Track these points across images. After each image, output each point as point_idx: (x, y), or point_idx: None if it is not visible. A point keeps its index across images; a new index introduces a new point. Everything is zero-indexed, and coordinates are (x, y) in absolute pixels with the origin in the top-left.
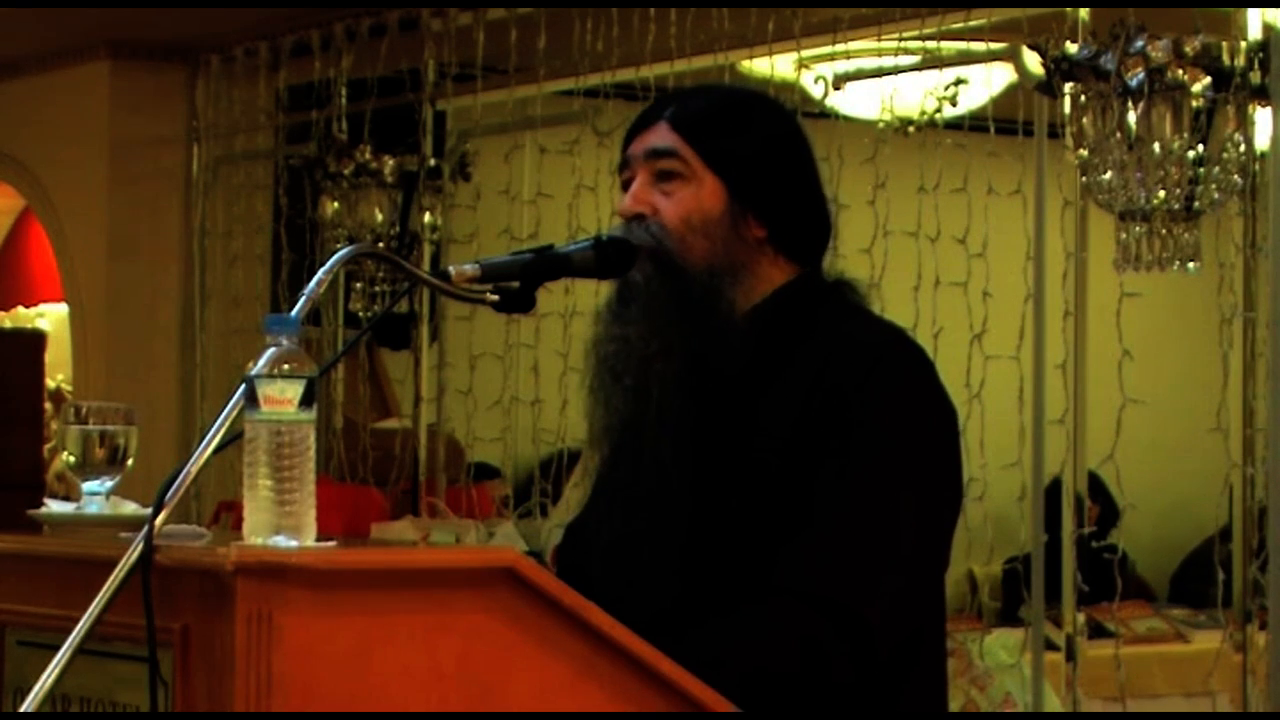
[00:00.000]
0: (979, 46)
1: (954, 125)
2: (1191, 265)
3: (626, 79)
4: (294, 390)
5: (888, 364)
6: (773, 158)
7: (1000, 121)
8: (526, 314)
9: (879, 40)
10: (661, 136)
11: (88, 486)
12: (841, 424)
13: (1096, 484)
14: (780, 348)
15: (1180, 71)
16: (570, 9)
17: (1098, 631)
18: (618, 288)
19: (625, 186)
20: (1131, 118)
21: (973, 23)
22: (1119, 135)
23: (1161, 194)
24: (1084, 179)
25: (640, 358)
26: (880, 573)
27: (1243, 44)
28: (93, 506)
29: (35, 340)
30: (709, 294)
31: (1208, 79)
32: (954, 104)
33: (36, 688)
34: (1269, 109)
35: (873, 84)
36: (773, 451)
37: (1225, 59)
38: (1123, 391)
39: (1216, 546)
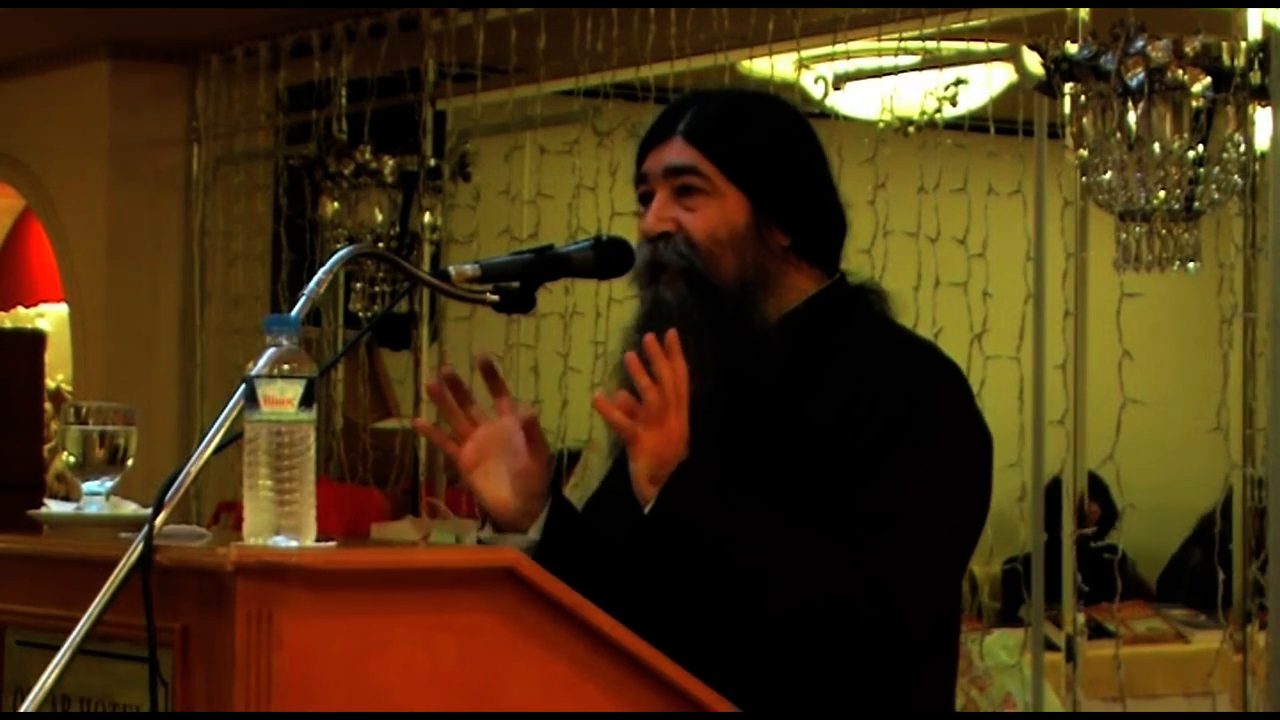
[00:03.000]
0: (979, 46)
1: (954, 125)
2: (1191, 265)
3: (626, 79)
4: (294, 390)
5: (929, 386)
6: (791, 165)
7: (1000, 121)
8: (526, 314)
9: (879, 40)
10: (679, 152)
11: (88, 486)
12: (882, 439)
13: (1097, 484)
14: (812, 361)
15: (1180, 71)
16: (570, 9)
17: (1098, 631)
18: (648, 306)
19: (643, 200)
20: (1131, 118)
21: (973, 23)
22: (1119, 135)
23: (1161, 194)
24: (1084, 179)
25: None
26: (923, 585)
27: (1243, 44)
28: (93, 506)
29: (35, 340)
30: (742, 310)
31: (1208, 79)
32: (954, 104)
33: (36, 688)
34: (1269, 109)
35: (873, 84)
36: (806, 468)
37: (1225, 59)
38: (1123, 391)
39: (1216, 547)
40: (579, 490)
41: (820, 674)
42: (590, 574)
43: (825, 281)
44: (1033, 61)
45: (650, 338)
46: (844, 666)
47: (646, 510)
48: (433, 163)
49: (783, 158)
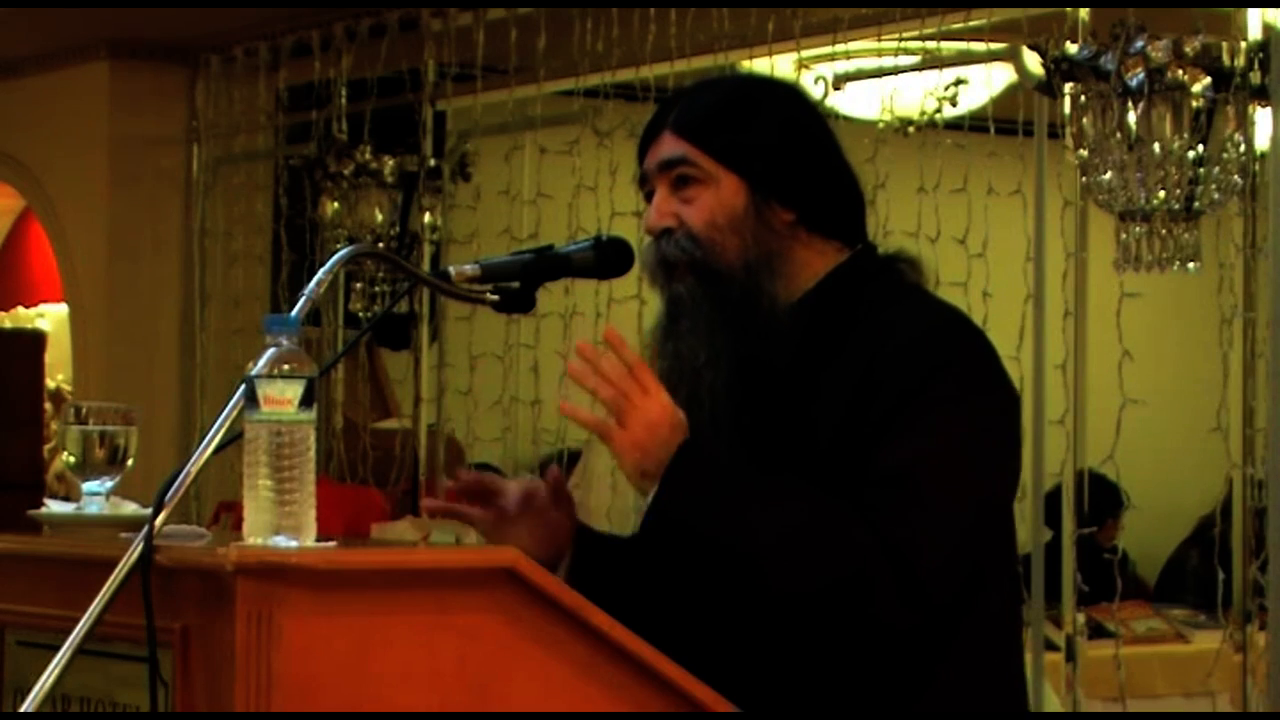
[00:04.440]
0: (979, 46)
1: (954, 125)
2: (1191, 265)
3: (626, 79)
4: (294, 390)
5: (939, 349)
6: (784, 141)
7: (1000, 121)
8: (526, 314)
9: (879, 40)
10: (669, 146)
11: (88, 486)
12: (893, 405)
13: (1103, 484)
14: (831, 335)
15: (1180, 71)
16: (570, 9)
17: (1098, 631)
18: (667, 305)
19: (649, 200)
20: (1131, 118)
21: (973, 23)
22: (1119, 135)
23: (1161, 194)
24: (1084, 179)
25: (691, 370)
26: (943, 541)
27: (1243, 44)
28: (93, 506)
29: (35, 340)
30: (748, 293)
31: (1208, 79)
32: (954, 104)
33: (36, 688)
34: (1269, 109)
35: (873, 84)
36: (825, 445)
37: (1225, 59)
38: (1123, 391)
39: (1216, 547)
40: (578, 490)
41: (843, 649)
42: (623, 593)
43: (846, 254)
44: (1033, 61)
45: (580, 343)
46: (869, 636)
47: (647, 503)
48: (433, 163)
49: (773, 134)
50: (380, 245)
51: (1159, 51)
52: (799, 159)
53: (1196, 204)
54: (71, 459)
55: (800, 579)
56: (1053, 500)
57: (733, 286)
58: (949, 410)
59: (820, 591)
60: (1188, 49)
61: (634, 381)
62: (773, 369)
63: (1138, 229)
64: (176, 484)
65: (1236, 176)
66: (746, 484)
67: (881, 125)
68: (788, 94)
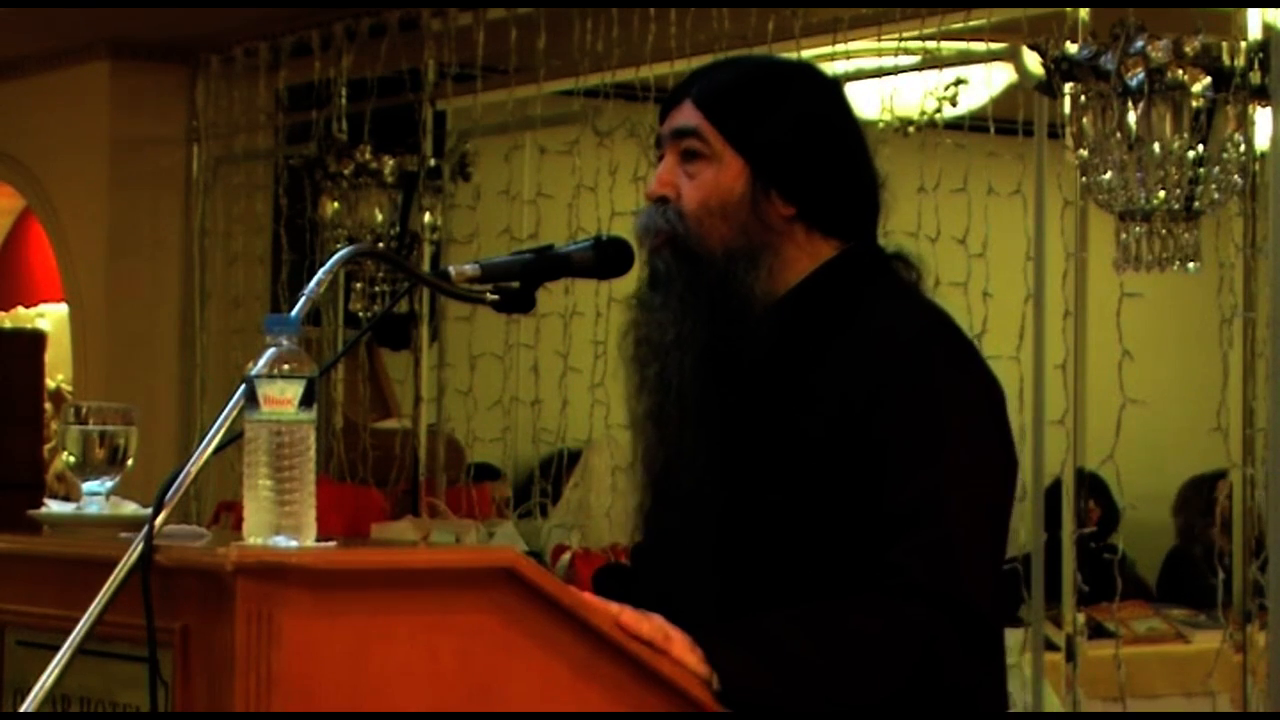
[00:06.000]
0: (979, 46)
1: (954, 125)
2: (1191, 265)
3: (626, 79)
4: (294, 390)
5: (928, 361)
6: (799, 133)
7: (1000, 121)
8: (526, 314)
9: (879, 40)
10: (686, 115)
11: (88, 486)
12: (890, 427)
13: (1097, 485)
14: (819, 331)
15: (1180, 71)
16: (570, 9)
17: (1098, 631)
18: (646, 276)
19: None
20: (1131, 118)
21: (973, 23)
22: (1119, 135)
23: (1161, 194)
24: (1084, 179)
25: (659, 348)
26: (980, 566)
27: (1243, 44)
28: (93, 506)
29: (35, 340)
30: (723, 280)
31: (1208, 79)
32: (954, 104)
33: (36, 688)
34: (1269, 109)
35: (873, 84)
36: (811, 444)
37: (1225, 59)
38: (1123, 391)
39: (1216, 549)
40: (579, 490)
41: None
42: None
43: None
44: (1033, 61)
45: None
46: (952, 687)
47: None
48: (433, 163)
49: (788, 124)
50: (380, 245)
51: (1159, 51)
52: (810, 153)
53: (1196, 204)
54: (71, 459)
55: (887, 682)
56: (1050, 500)
57: (709, 271)
58: (944, 429)
59: (910, 678)
60: (1188, 49)
61: (637, 621)
62: (748, 360)
63: (1138, 229)
64: (176, 484)
65: (1236, 176)
66: (782, 645)
67: (881, 125)
68: (818, 86)
